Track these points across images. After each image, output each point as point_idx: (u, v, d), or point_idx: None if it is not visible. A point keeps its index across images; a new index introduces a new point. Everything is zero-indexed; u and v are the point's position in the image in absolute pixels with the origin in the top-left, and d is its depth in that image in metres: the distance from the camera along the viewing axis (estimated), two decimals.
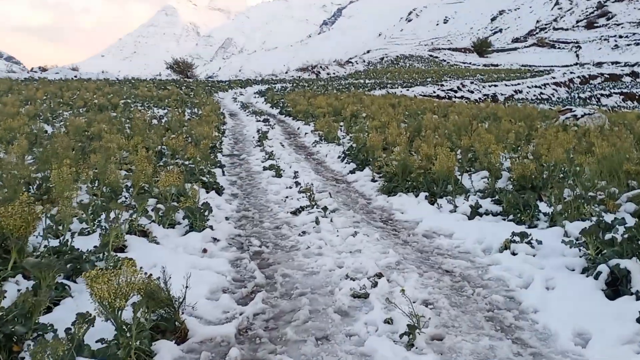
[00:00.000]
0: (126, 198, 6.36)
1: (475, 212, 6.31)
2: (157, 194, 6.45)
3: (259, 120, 17.82)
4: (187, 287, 3.47)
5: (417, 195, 7.27)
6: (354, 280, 4.36)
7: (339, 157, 11.04)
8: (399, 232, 6.02)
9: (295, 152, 12.22)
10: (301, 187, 7.80)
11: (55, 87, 25.36)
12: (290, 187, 8.12)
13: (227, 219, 6.34)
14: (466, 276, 4.63)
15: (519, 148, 11.09)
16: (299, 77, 67.17)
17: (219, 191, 7.66)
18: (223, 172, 9.31)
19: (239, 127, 17.32)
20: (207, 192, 7.49)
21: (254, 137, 14.22)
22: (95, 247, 4.34)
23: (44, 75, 41.54)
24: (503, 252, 5.06)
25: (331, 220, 6.09)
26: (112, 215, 5.09)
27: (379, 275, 4.43)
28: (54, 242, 4.54)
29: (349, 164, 10.26)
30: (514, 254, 4.97)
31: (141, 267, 3.43)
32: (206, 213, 5.65)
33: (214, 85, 42.53)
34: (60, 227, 4.88)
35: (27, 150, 8.55)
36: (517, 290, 4.26)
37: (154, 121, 15.84)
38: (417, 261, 4.99)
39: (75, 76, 43.25)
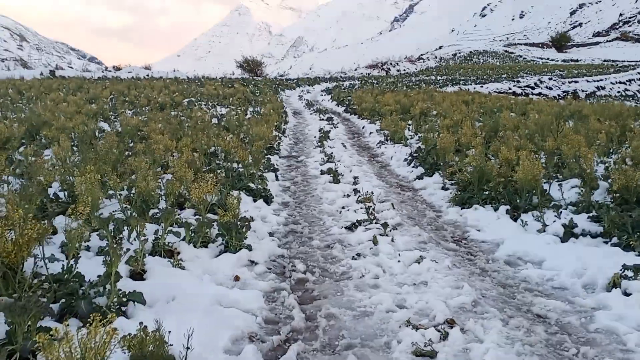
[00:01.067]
0: (160, 210, 5.62)
1: (569, 232, 5.14)
2: (196, 205, 5.67)
3: (323, 119, 16.98)
4: (188, 347, 2.60)
5: (496, 209, 6.15)
6: (417, 329, 3.36)
7: (405, 159, 10.00)
8: (475, 257, 4.96)
9: (358, 154, 11.26)
10: (360, 195, 6.84)
11: (124, 85, 25.51)
12: (348, 196, 7.18)
13: (270, 234, 5.47)
14: (565, 325, 3.55)
15: (613, 151, 9.68)
16: (368, 74, 66.00)
17: (268, 200, 6.81)
18: (277, 176, 8.49)
19: (301, 126, 16.53)
20: (255, 201, 6.67)
21: (315, 137, 13.37)
22: (99, 276, 3.56)
23: (117, 74, 42.43)
24: (612, 291, 3.93)
25: (392, 240, 5.10)
26: (134, 232, 4.34)
27: (451, 323, 3.43)
28: (58, 266, 3.81)
29: (416, 168, 9.20)
30: (626, 294, 3.83)
31: (141, 323, 2.61)
32: (243, 230, 4.79)
33: (282, 83, 42.14)
34: (72, 247, 4.14)
35: (69, 151, 8.02)
36: (638, 352, 3.15)
37: (214, 120, 15.30)
38: (500, 300, 3.93)
39: (147, 75, 43.96)
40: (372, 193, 6.71)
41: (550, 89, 49.64)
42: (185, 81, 36.81)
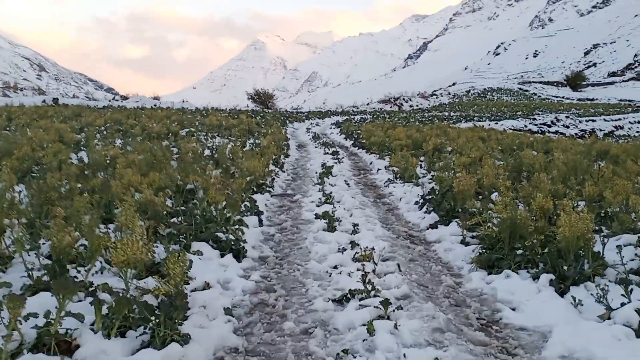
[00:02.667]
0: (83, 272, 4.17)
1: None
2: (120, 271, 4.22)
3: (327, 153, 15.59)
4: None
5: (536, 278, 4.63)
6: None
7: (416, 202, 8.51)
8: (513, 358, 3.44)
9: (362, 193, 9.80)
10: (358, 251, 5.37)
11: (123, 115, 24.38)
12: (344, 250, 5.71)
13: (228, 311, 3.96)
14: None
15: None
16: (381, 109, 65.02)
17: (239, 254, 5.35)
18: (260, 221, 7.03)
19: (303, 160, 15.15)
20: (222, 256, 5.23)
21: (316, 173, 11.95)
22: None
23: (123, 104, 41.60)
24: None
25: (396, 327, 3.58)
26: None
27: None
28: None
29: (429, 213, 7.71)
30: None
31: None
32: (174, 315, 3.29)
33: (291, 115, 41.05)
34: None
35: (9, 185, 6.64)
36: None
37: (208, 152, 13.98)
38: None
39: (155, 105, 43.11)
40: (374, 249, 5.23)
41: (568, 127, 48.37)
42: (191, 112, 35.79)
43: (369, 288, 4.22)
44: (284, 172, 12.32)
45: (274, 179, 10.44)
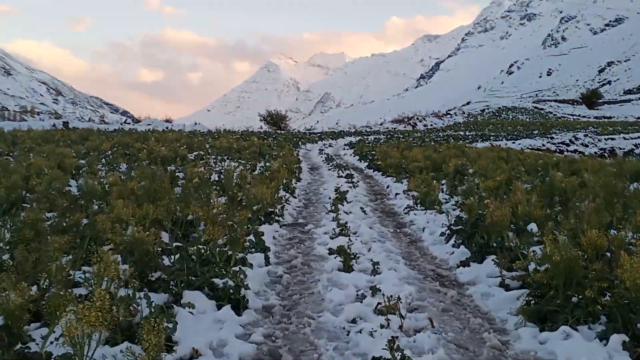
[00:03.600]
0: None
1: None
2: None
3: (341, 176, 14.74)
4: None
5: (604, 338, 3.73)
6: None
7: (442, 234, 7.61)
8: None
9: (380, 222, 8.93)
10: (381, 300, 4.50)
11: (132, 138, 23.77)
12: (363, 297, 4.84)
13: None
14: None
15: None
16: (394, 128, 64.30)
17: (239, 305, 4.49)
18: (267, 258, 6.18)
19: (316, 184, 14.32)
20: (219, 308, 4.38)
21: (330, 198, 11.11)
22: None
23: (135, 127, 41.21)
24: None
25: None
26: None
27: None
28: None
29: (457, 247, 6.82)
30: None
31: None
32: None
33: (304, 136, 40.38)
34: None
35: None
36: None
37: (215, 176, 13.23)
38: None
39: (167, 127, 42.71)
40: (399, 299, 4.35)
41: (587, 146, 47.34)
42: (202, 134, 35.24)
43: (398, 358, 3.33)
44: (295, 197, 11.50)
45: (283, 206, 9.61)
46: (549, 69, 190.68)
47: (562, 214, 7.80)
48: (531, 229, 6.84)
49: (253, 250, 6.23)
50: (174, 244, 6.12)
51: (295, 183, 13.40)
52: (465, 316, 4.53)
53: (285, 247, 7.19)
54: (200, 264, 5.14)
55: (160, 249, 5.97)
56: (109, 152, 18.40)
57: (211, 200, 8.72)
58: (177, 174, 13.45)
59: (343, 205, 10.00)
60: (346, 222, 8.02)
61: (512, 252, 5.77)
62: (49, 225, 6.04)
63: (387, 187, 13.54)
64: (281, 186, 11.75)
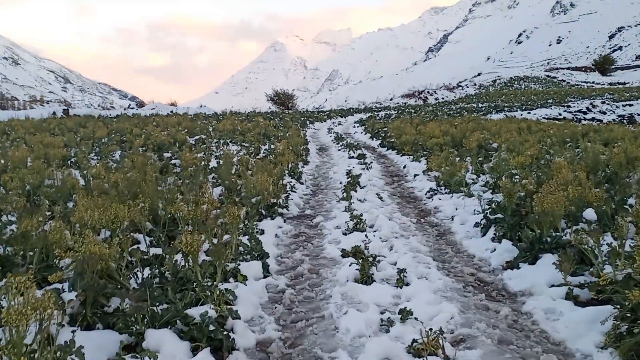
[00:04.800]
0: None
1: None
2: None
3: (353, 157, 13.47)
4: None
5: None
6: None
7: (476, 224, 6.35)
8: None
9: (400, 211, 7.69)
10: (414, 330, 3.31)
11: (131, 123, 22.58)
12: (389, 324, 3.62)
13: None
14: None
15: None
16: (405, 103, 62.78)
17: (222, 347, 3.29)
18: (265, 266, 4.97)
19: (325, 167, 13.07)
20: (193, 352, 3.19)
21: (341, 183, 9.89)
22: None
23: (138, 112, 40.05)
24: None
25: None
26: None
27: None
28: None
29: (498, 241, 5.58)
30: None
31: None
32: None
33: (311, 115, 39.03)
34: None
35: None
36: None
37: (214, 162, 12.05)
38: None
39: (171, 111, 41.50)
40: (442, 333, 3.14)
41: (604, 113, 45.85)
42: (207, 117, 34.00)
43: None
44: (302, 183, 10.28)
45: (288, 195, 8.38)
46: (559, 37, 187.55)
47: (616, 193, 6.56)
48: (585, 217, 5.60)
49: (248, 257, 5.03)
50: (154, 252, 4.96)
51: (302, 167, 12.18)
52: (532, 350, 3.29)
53: (290, 248, 5.98)
54: (175, 284, 3.96)
55: (130, 262, 4.81)
56: (105, 139, 17.23)
57: (203, 192, 7.55)
58: (172, 161, 12.30)
59: (356, 191, 8.77)
60: (361, 214, 6.78)
61: (572, 249, 4.55)
62: None
63: (404, 167, 12.28)
64: (286, 172, 10.55)
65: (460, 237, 6.17)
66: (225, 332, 3.31)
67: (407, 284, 4.42)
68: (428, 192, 8.91)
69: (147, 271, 4.22)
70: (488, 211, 6.50)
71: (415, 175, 10.67)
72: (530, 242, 4.96)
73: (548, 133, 17.07)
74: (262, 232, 6.29)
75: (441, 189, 8.89)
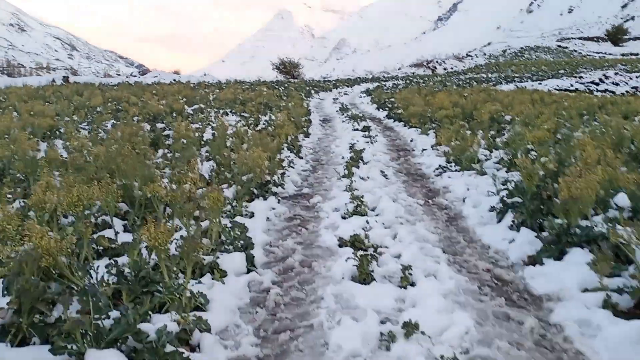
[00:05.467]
0: None
1: None
2: None
3: (357, 129, 12.74)
4: None
5: None
6: None
7: (492, 208, 5.66)
8: None
9: (406, 191, 7.01)
10: (420, 348, 2.67)
11: (129, 92, 21.84)
12: (391, 339, 2.97)
13: None
14: None
15: None
16: (413, 73, 61.66)
17: None
18: (250, 261, 4.30)
19: (327, 139, 12.36)
20: None
21: (343, 158, 9.20)
22: None
23: (140, 80, 39.25)
24: None
25: None
26: None
27: None
28: None
29: (517, 229, 4.90)
30: None
31: None
32: None
33: (317, 85, 38.11)
34: None
35: None
36: None
37: (209, 134, 11.38)
38: None
39: (174, 80, 40.72)
40: (456, 357, 2.50)
41: (617, 84, 44.72)
42: (209, 85, 33.18)
43: None
44: (301, 158, 9.59)
45: (284, 172, 7.69)
46: (570, 6, 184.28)
47: None
48: (616, 203, 4.90)
49: (231, 247, 4.38)
50: (126, 240, 4.33)
51: (303, 139, 11.47)
52: None
53: (281, 234, 5.33)
54: (136, 284, 3.32)
55: (93, 253, 4.17)
56: (99, 108, 16.53)
57: (191, 168, 6.89)
58: (166, 132, 11.62)
59: (359, 168, 8.08)
60: (362, 195, 6.10)
61: (607, 242, 3.88)
62: None
63: (411, 140, 11.56)
64: (285, 145, 9.86)
65: (473, 223, 5.49)
66: (185, 355, 2.66)
67: (413, 284, 3.78)
68: (437, 169, 8.21)
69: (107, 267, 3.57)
70: (504, 193, 5.81)
71: (423, 150, 9.96)
72: (556, 234, 4.29)
73: (562, 105, 16.26)
74: (252, 215, 5.64)
75: (451, 166, 8.19)
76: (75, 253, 3.66)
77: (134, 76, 43.02)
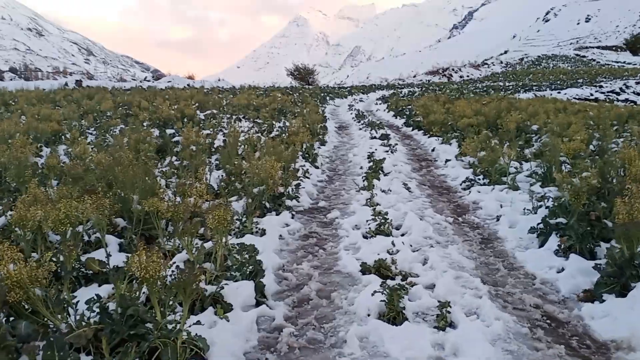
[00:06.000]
0: None
1: None
2: None
3: (375, 137, 12.15)
4: None
5: None
6: None
7: (532, 229, 5.03)
8: None
9: (432, 206, 6.40)
10: None
11: (141, 96, 21.42)
12: None
13: None
14: None
15: None
16: (428, 80, 60.93)
17: None
18: (260, 292, 3.69)
19: (344, 148, 11.77)
20: None
21: (361, 168, 8.62)
22: None
23: (154, 84, 39.01)
24: None
25: None
26: None
27: None
28: None
29: (565, 257, 4.27)
30: None
31: None
32: None
33: (332, 91, 37.59)
34: None
35: None
36: None
37: (219, 140, 10.88)
38: None
39: (188, 85, 40.42)
40: None
41: (639, 94, 43.91)
42: (223, 91, 32.78)
43: None
44: (317, 167, 9.02)
45: (299, 184, 7.11)
46: (588, 15, 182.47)
47: None
48: None
49: (238, 274, 3.80)
50: (117, 263, 3.78)
51: (319, 147, 10.90)
52: None
53: (296, 255, 4.75)
54: (122, 325, 2.75)
55: (79, 276, 3.64)
56: (110, 113, 16.09)
57: (198, 178, 6.37)
58: (175, 138, 11.11)
59: (379, 179, 7.48)
60: (386, 212, 5.51)
61: None
62: None
63: (432, 150, 10.94)
64: (300, 154, 9.30)
65: (512, 247, 4.87)
66: None
67: (452, 325, 3.18)
68: (464, 182, 7.60)
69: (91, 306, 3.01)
70: (544, 212, 5.18)
71: (447, 161, 9.34)
72: (618, 265, 3.66)
73: (587, 114, 15.57)
74: (263, 232, 5.07)
75: (479, 179, 7.57)
76: (54, 284, 3.11)
77: (148, 81, 42.70)
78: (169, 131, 12.04)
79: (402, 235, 5.04)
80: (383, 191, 6.80)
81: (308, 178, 7.96)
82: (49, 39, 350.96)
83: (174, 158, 8.99)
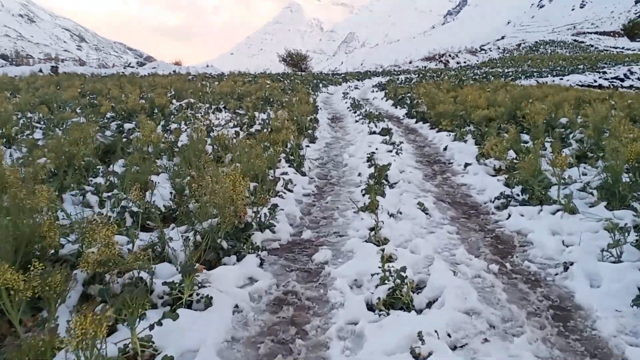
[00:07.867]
0: None
1: None
2: None
3: (374, 132, 10.23)
4: None
5: None
6: None
7: (637, 301, 3.15)
8: None
9: (463, 242, 4.50)
10: None
11: (112, 84, 19.38)
12: None
13: None
14: None
15: None
16: (425, 67, 59.00)
17: None
18: None
19: (338, 145, 9.84)
20: None
21: (360, 175, 6.73)
22: None
23: (137, 70, 36.90)
24: None
25: None
26: None
27: None
28: None
29: None
30: None
31: None
32: None
33: (325, 78, 35.54)
34: None
35: None
36: None
37: (185, 137, 8.93)
38: None
39: (174, 71, 38.44)
40: None
41: None
42: (209, 77, 30.75)
43: None
44: (304, 174, 7.08)
45: (276, 205, 5.14)
46: (582, 1, 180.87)
47: None
48: None
49: None
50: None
51: (307, 146, 8.95)
52: None
53: (257, 352, 2.85)
54: None
55: None
56: (71, 103, 14.08)
57: (135, 197, 4.49)
58: (135, 134, 9.16)
59: (384, 195, 5.57)
60: (404, 268, 3.58)
61: None
62: None
63: (445, 149, 9.03)
64: (282, 156, 7.39)
65: (611, 333, 2.96)
66: None
67: None
68: (497, 198, 5.68)
69: None
70: (633, 252, 3.30)
71: (467, 165, 7.42)
72: None
73: (608, 104, 13.69)
74: (209, 302, 3.16)
75: (516, 194, 5.67)
76: None
77: (132, 67, 40.51)
78: (128, 126, 10.09)
79: (429, 305, 3.16)
80: (391, 215, 4.91)
81: (291, 191, 6.05)
82: (40, 25, 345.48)
83: (122, 162, 7.05)
